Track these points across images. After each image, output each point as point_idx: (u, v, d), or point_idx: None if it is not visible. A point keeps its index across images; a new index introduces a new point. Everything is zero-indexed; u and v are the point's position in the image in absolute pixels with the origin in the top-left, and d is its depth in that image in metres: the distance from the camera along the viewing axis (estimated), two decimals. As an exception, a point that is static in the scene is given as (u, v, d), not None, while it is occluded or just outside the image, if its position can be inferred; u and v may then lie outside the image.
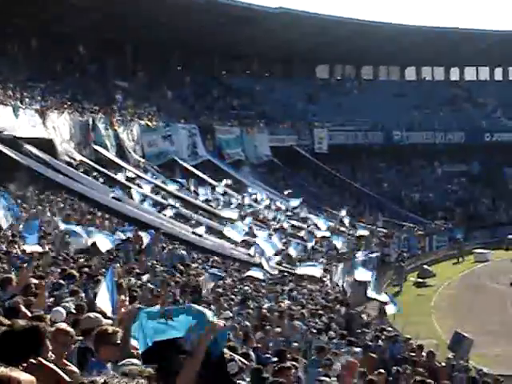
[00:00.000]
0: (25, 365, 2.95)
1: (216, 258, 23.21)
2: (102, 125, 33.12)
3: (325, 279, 24.77)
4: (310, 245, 29.30)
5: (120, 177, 30.17)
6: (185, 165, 36.71)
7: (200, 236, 25.23)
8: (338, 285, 25.66)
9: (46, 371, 3.26)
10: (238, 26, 43.93)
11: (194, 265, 20.10)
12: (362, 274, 23.39)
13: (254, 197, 35.92)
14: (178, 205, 28.96)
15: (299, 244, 28.37)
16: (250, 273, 20.27)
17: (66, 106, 32.48)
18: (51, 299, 8.53)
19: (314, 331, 14.15)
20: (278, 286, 20.85)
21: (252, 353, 9.19)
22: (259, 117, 46.33)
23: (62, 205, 24.29)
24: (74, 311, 7.36)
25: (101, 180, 28.88)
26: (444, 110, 54.11)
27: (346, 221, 36.80)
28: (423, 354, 14.12)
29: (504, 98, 54.17)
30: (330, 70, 57.24)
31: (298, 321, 14.21)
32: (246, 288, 18.35)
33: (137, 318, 4.16)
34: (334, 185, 46.39)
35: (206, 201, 32.20)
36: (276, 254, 25.62)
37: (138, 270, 15.69)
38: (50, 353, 3.54)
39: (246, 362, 7.95)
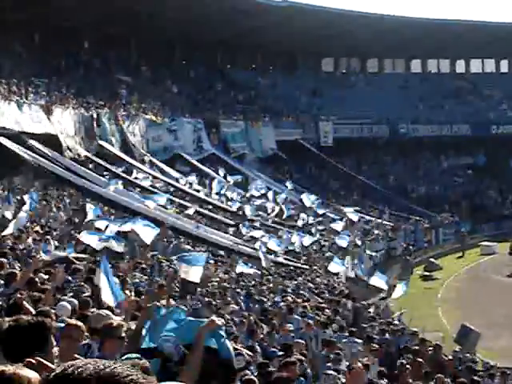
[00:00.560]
0: (24, 363, 2.91)
1: (221, 252, 23.20)
2: (107, 120, 33.11)
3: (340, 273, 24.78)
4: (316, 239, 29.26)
5: (134, 174, 29.97)
6: (190, 159, 36.67)
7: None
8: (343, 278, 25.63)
9: (45, 371, 3.22)
10: (242, 19, 43.77)
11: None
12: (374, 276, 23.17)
13: (261, 191, 35.73)
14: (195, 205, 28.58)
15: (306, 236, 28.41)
16: (239, 269, 19.33)
17: (70, 101, 32.46)
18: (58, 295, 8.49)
19: (320, 324, 14.07)
20: (286, 280, 20.81)
21: (257, 346, 9.16)
22: (264, 111, 46.19)
23: (67, 200, 24.28)
24: (78, 306, 7.33)
25: (106, 175, 28.82)
26: (450, 102, 53.86)
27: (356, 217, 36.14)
28: (429, 348, 14.03)
29: (510, 90, 53.90)
30: (334, 63, 57.07)
31: (303, 314, 14.16)
32: (252, 282, 18.28)
33: (152, 316, 4.34)
34: (339, 178, 46.33)
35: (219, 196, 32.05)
36: (286, 249, 25.65)
37: (143, 266, 15.69)
38: (55, 349, 3.51)
39: (251, 354, 7.92)
